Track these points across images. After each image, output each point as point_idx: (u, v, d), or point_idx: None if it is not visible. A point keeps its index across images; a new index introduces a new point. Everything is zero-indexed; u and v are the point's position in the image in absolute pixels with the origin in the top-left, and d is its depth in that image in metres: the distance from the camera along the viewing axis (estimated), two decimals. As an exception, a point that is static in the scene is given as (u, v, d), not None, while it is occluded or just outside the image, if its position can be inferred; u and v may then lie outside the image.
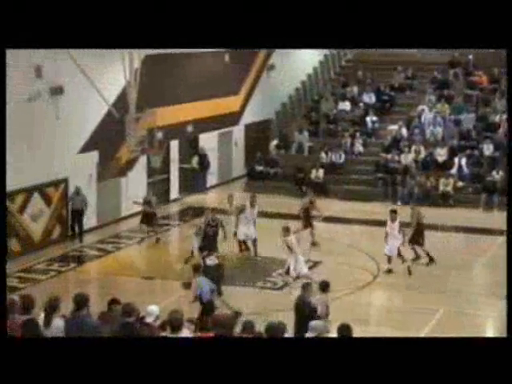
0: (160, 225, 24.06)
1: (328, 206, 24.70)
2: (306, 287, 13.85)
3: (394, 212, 20.19)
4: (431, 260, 20.66)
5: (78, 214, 22.66)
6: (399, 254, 19.89)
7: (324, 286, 14.00)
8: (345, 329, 10.06)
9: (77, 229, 22.78)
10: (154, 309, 10.80)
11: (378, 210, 26.03)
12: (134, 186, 25.44)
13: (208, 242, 19.14)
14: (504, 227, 24.23)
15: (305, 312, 12.99)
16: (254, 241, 21.20)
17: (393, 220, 19.98)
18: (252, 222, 21.32)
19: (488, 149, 28.88)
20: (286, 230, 18.60)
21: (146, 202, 23.04)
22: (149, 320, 10.55)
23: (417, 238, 20.43)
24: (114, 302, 11.22)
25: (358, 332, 10.67)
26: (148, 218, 22.95)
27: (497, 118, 30.14)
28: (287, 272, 18.32)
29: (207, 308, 14.77)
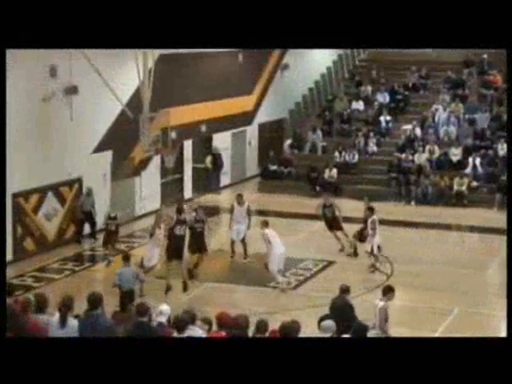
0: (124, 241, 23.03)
1: (341, 205, 24.61)
2: (345, 289, 13.78)
3: (368, 209, 20.42)
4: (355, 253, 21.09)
5: (89, 216, 22.53)
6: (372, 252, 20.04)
7: (387, 291, 13.51)
8: (360, 328, 10.08)
9: (89, 230, 22.75)
10: (165, 308, 10.79)
11: (391, 209, 25.98)
12: (148, 186, 25.48)
13: (196, 239, 19.19)
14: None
15: (347, 313, 12.91)
16: (242, 240, 20.90)
17: (366, 218, 20.33)
18: (242, 221, 20.84)
19: (502, 148, 28.74)
20: (264, 224, 18.86)
21: (112, 218, 21.07)
22: (161, 319, 10.54)
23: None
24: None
25: (372, 331, 10.69)
26: (109, 237, 20.95)
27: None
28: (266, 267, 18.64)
29: (127, 296, 15.58)
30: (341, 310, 13.12)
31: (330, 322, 10.87)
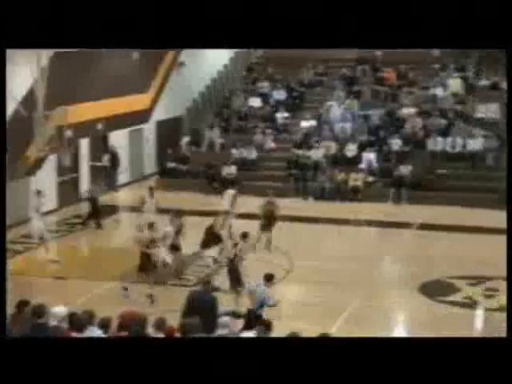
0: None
1: (241, 202, 24.70)
2: (207, 281, 13.81)
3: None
4: None
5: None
6: None
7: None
8: (266, 324, 10.19)
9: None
10: (59, 310, 10.52)
11: (290, 205, 26.20)
12: (44, 185, 24.98)
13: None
14: (413, 220, 24.91)
15: (207, 308, 12.77)
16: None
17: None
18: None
19: (396, 144, 29.40)
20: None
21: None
22: (53, 322, 10.24)
23: None
24: (22, 303, 10.97)
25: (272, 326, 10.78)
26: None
27: (404, 113, 30.69)
28: None
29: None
30: (201, 304, 12.71)
31: (226, 319, 10.94)
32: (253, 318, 13.75)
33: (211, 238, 19.75)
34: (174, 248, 19.22)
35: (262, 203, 22.05)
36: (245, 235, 17.46)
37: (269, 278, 14.45)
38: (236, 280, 17.04)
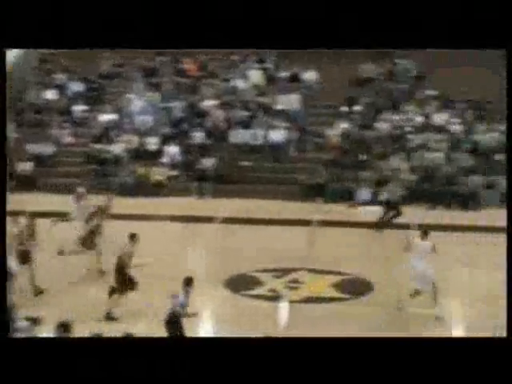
0: None
1: (37, 200, 23.76)
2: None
3: None
4: None
5: None
6: None
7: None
8: (64, 326, 10.44)
9: None
10: None
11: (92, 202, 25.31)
12: None
13: None
14: (217, 213, 24.75)
15: None
16: None
17: None
18: None
19: (198, 137, 29.12)
20: None
21: None
22: None
23: None
24: None
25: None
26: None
27: (206, 106, 30.45)
28: None
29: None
30: None
31: (25, 324, 11.20)
32: (175, 322, 13.69)
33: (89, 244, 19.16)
34: (24, 256, 17.00)
35: (103, 203, 20.93)
36: (133, 236, 16.36)
37: (188, 282, 14.02)
38: (124, 282, 16.28)
